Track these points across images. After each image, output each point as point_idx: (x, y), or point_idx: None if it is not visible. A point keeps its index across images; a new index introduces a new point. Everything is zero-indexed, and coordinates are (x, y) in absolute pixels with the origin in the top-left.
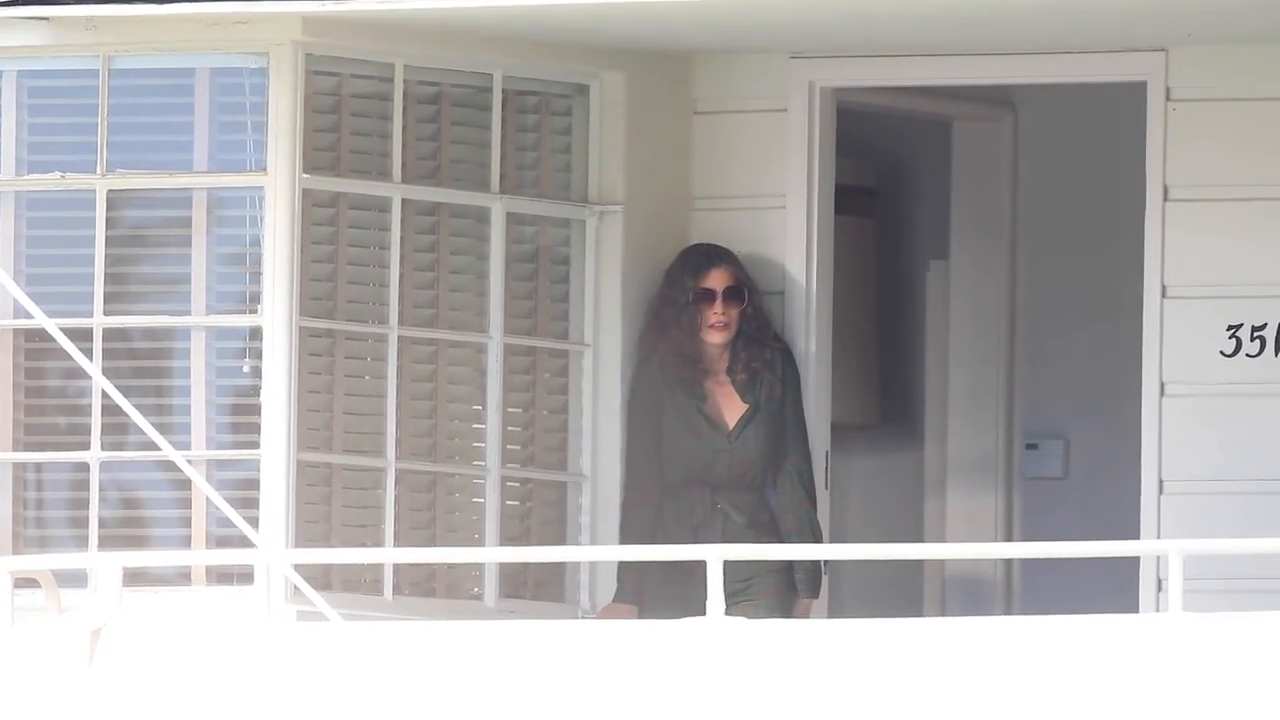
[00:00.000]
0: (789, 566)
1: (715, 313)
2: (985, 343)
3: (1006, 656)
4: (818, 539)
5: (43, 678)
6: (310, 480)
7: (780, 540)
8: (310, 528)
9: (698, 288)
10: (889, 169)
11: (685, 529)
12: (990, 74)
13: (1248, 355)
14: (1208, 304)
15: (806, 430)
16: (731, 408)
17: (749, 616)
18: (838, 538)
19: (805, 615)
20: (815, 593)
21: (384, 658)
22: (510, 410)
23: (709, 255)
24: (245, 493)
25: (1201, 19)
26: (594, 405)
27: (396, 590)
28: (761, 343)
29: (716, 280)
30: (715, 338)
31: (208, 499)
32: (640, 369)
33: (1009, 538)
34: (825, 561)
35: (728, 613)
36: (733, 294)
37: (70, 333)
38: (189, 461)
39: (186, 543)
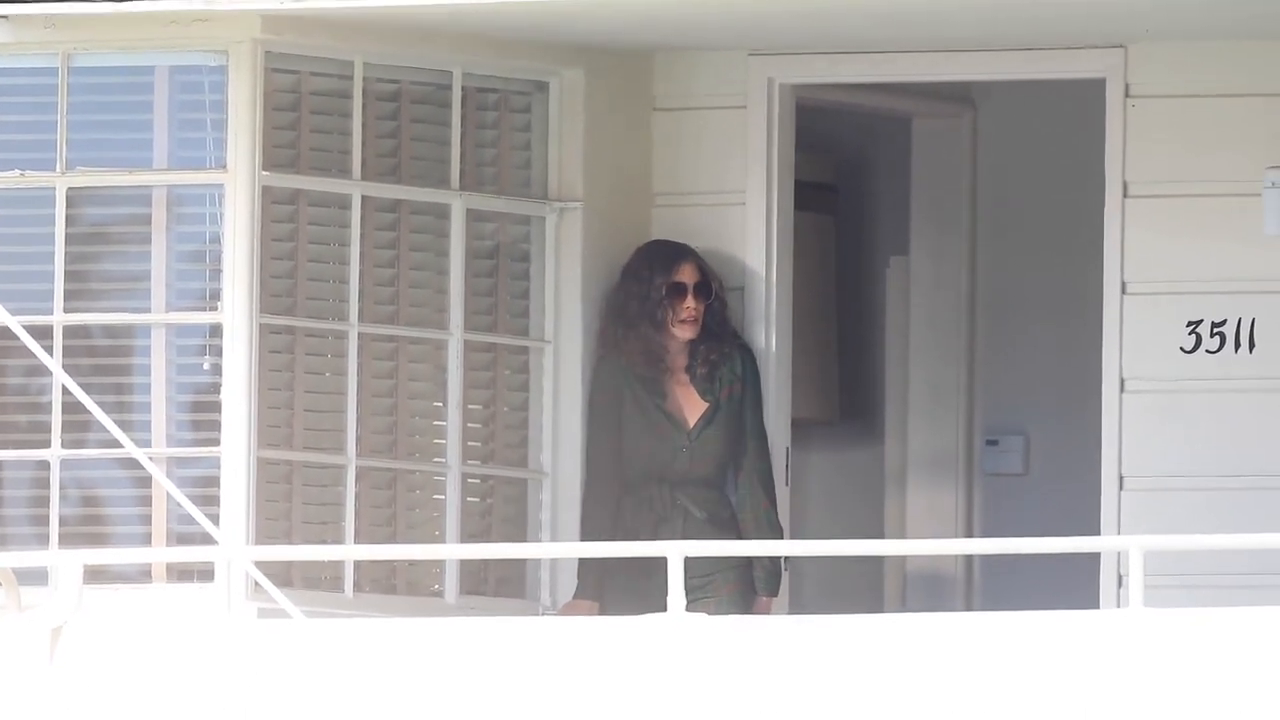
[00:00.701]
0: (748, 564)
1: (687, 307)
2: (945, 339)
3: (968, 652)
4: (777, 538)
5: (3, 676)
6: (271, 477)
7: (740, 538)
8: (271, 525)
9: (670, 282)
10: (849, 165)
11: (645, 525)
12: (949, 71)
13: (1207, 351)
14: (1168, 300)
15: (765, 429)
16: (692, 406)
17: (708, 613)
18: (798, 534)
19: (765, 613)
20: (775, 591)
21: (345, 655)
22: (471, 407)
23: (677, 250)
24: (206, 490)
25: (1160, 16)
26: (554, 402)
27: (357, 587)
28: (721, 338)
29: (687, 275)
30: (686, 332)
31: (168, 496)
32: (600, 366)
33: (969, 534)
34: (786, 559)
35: (687, 609)
36: (702, 288)
37: (30, 330)
38: (150, 459)
39: (147, 540)
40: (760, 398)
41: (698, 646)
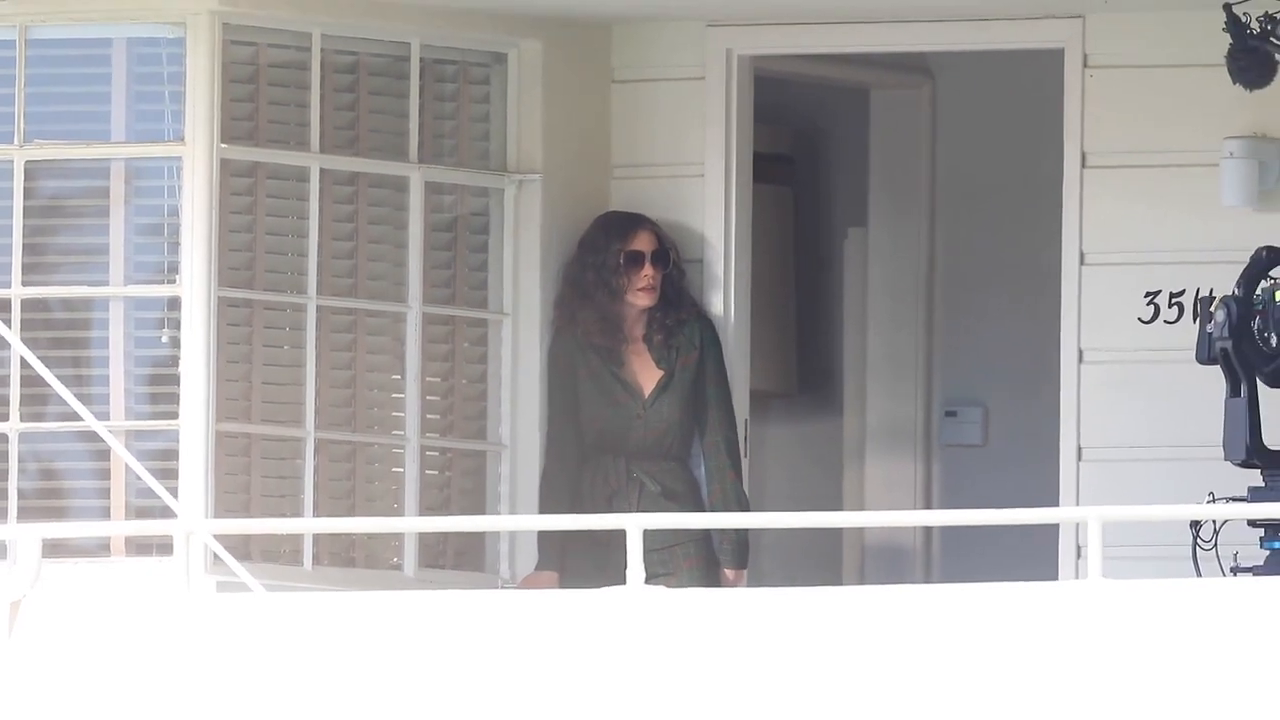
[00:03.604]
0: (709, 537)
1: (644, 275)
2: (904, 310)
3: (927, 625)
4: (744, 510)
5: None
6: (229, 450)
7: (700, 510)
8: (230, 498)
9: (627, 250)
10: (807, 137)
11: (600, 498)
12: (907, 42)
13: (1166, 322)
14: (1126, 271)
15: (730, 399)
16: (647, 375)
17: (671, 587)
18: (756, 506)
19: (732, 587)
20: (743, 563)
21: (304, 628)
22: (429, 380)
23: (633, 219)
24: (164, 463)
25: None
26: (513, 374)
27: (316, 560)
28: (679, 306)
29: (644, 243)
30: (644, 300)
31: (127, 469)
32: (555, 338)
33: (928, 505)
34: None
35: (649, 583)
36: (659, 256)
37: None
38: (108, 432)
39: (106, 514)
40: (723, 368)
41: (657, 619)
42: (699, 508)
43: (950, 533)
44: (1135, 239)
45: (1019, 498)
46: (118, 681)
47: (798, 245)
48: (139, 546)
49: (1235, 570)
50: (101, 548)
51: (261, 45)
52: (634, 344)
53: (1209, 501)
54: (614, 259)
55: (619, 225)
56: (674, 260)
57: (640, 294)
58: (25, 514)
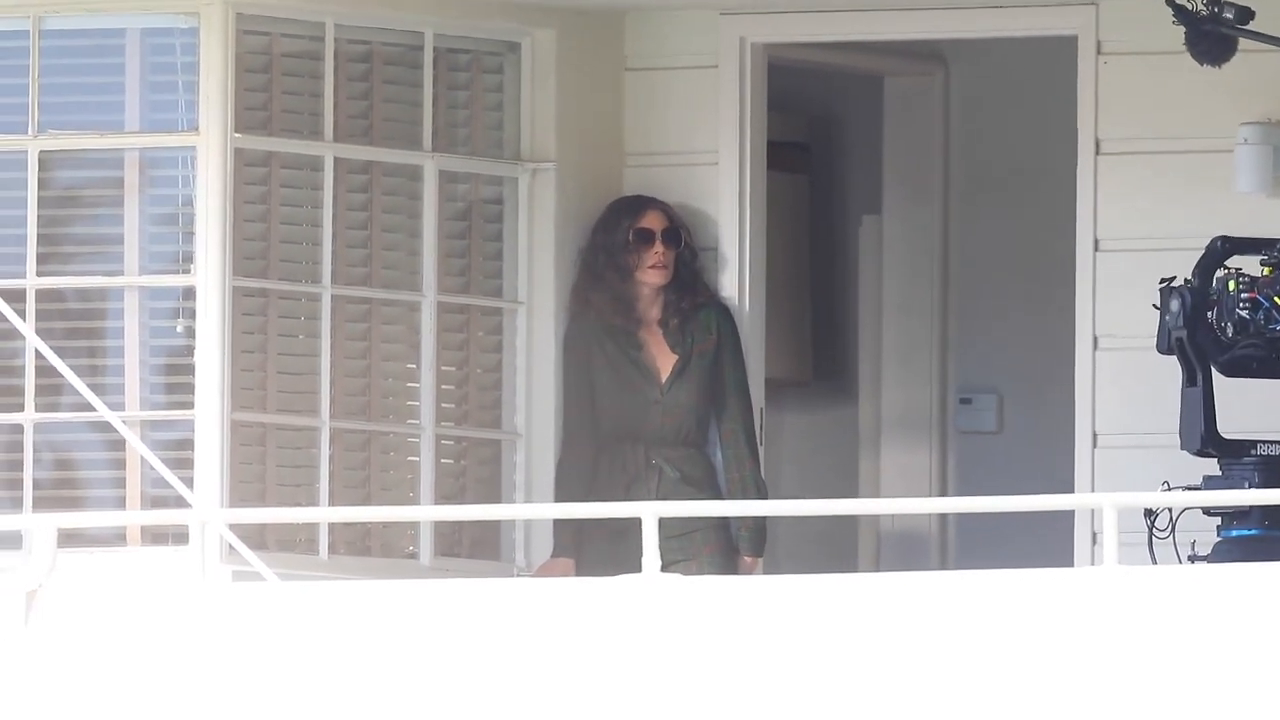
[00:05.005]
0: (728, 523)
1: (655, 253)
2: (918, 297)
3: (943, 612)
4: (762, 497)
5: None
6: (244, 440)
7: (718, 497)
8: (245, 487)
9: (636, 228)
10: (821, 124)
11: (619, 485)
12: (921, 29)
13: None
14: (1140, 257)
15: (747, 387)
16: (664, 359)
17: (690, 574)
18: (771, 494)
19: (750, 573)
20: (760, 551)
21: (320, 618)
22: (444, 368)
23: (643, 199)
24: (180, 453)
25: None
26: (528, 363)
27: (331, 549)
28: (694, 289)
29: (654, 221)
30: (655, 278)
31: (142, 460)
32: (572, 323)
33: (943, 492)
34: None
35: (667, 569)
36: (670, 236)
37: (3, 294)
38: (123, 422)
39: (121, 503)
40: (740, 355)
41: (672, 607)
42: (717, 494)
43: (966, 519)
44: (1149, 225)
45: (1034, 484)
46: (133, 671)
47: (812, 233)
48: (154, 536)
49: (1193, 559)
50: (117, 537)
51: (275, 35)
52: (649, 327)
53: (1164, 489)
54: (623, 236)
55: (629, 205)
56: (686, 241)
57: (651, 272)
58: (41, 504)
